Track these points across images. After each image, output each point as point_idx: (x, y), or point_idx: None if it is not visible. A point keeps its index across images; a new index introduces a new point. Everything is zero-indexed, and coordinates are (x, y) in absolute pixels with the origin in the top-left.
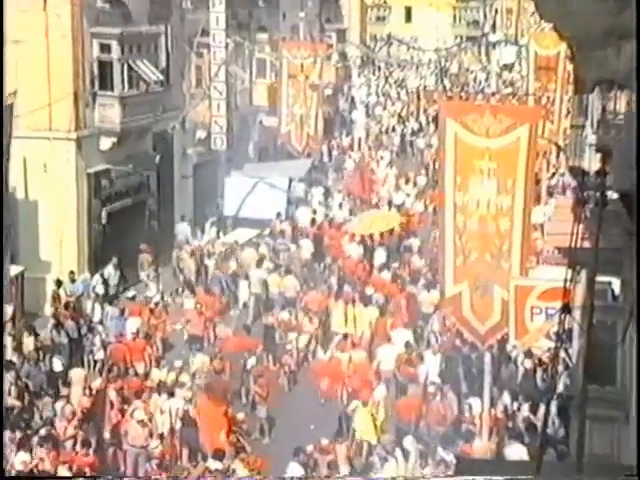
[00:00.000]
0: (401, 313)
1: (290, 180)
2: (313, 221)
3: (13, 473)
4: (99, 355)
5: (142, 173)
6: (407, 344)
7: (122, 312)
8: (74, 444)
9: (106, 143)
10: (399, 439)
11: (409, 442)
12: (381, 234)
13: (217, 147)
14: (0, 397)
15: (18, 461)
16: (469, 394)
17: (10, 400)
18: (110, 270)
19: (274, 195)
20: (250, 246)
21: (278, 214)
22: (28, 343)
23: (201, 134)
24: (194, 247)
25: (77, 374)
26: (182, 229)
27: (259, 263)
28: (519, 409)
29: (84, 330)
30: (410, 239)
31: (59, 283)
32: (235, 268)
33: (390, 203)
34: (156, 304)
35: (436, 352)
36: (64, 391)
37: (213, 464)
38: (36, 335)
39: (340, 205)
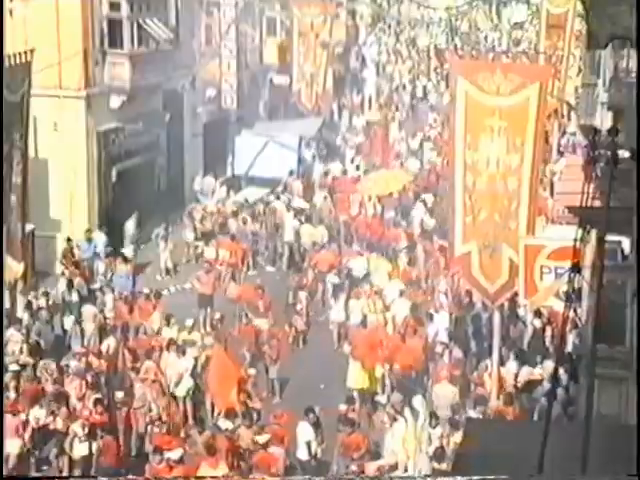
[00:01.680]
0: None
1: (300, 139)
2: (326, 175)
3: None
4: (109, 314)
5: (152, 132)
6: (413, 306)
7: (132, 271)
8: (89, 402)
9: (116, 101)
10: (408, 398)
11: (418, 402)
12: (390, 193)
13: (227, 105)
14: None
15: (32, 417)
16: (478, 354)
17: (23, 358)
18: (120, 228)
19: (284, 154)
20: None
21: (291, 172)
22: (39, 301)
23: (211, 93)
24: (205, 205)
25: (88, 311)
26: (192, 187)
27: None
28: (527, 369)
29: (94, 289)
30: (421, 198)
31: (69, 241)
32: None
33: (401, 162)
34: (165, 262)
35: (445, 311)
36: (75, 350)
37: (224, 423)
38: (47, 294)
39: (352, 161)
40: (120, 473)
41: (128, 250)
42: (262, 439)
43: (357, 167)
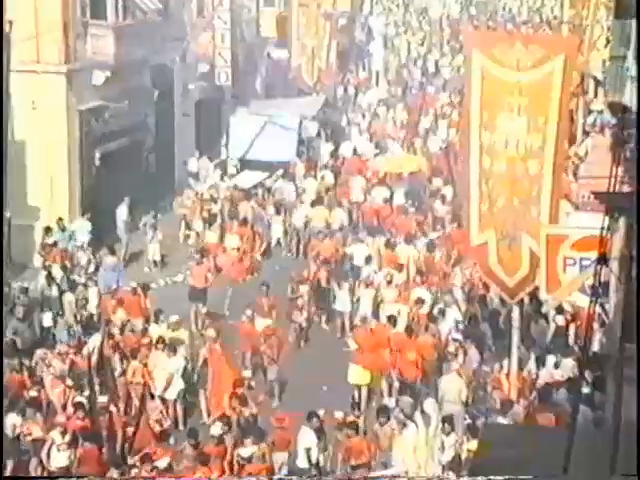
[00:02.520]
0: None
1: (301, 119)
2: (331, 157)
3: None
4: (93, 310)
5: (139, 110)
6: (418, 299)
7: (118, 262)
8: (67, 406)
9: (99, 77)
10: (419, 402)
11: (430, 406)
12: (400, 175)
13: (221, 82)
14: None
15: (8, 424)
16: (495, 353)
17: None
18: (104, 216)
19: (284, 135)
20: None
21: (291, 155)
22: (15, 296)
23: (204, 68)
24: (197, 191)
25: (70, 307)
26: (183, 172)
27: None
28: (549, 370)
29: (77, 282)
30: (434, 183)
31: (49, 231)
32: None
33: (411, 143)
34: (154, 253)
35: (459, 307)
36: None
37: (216, 429)
38: (24, 288)
39: (358, 142)
40: None
41: (115, 240)
42: (246, 452)
43: (364, 149)
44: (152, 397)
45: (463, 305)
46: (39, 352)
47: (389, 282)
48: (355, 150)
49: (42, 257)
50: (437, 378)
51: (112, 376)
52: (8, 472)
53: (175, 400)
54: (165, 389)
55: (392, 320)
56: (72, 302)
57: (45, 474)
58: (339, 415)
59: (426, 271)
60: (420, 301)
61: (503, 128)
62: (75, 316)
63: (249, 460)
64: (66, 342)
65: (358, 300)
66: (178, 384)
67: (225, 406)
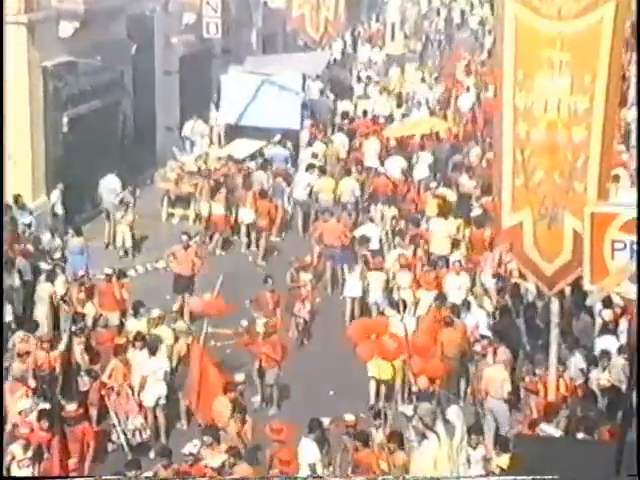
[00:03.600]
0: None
1: (304, 78)
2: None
3: None
4: (59, 301)
5: (114, 67)
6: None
7: (87, 245)
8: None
9: (67, 29)
10: (441, 409)
11: (454, 414)
12: (422, 145)
13: (210, 35)
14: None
15: None
16: (531, 353)
17: None
18: (73, 191)
19: (283, 97)
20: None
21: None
22: None
23: (189, 18)
24: (182, 163)
25: (34, 298)
26: (165, 140)
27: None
28: (595, 373)
29: (40, 269)
30: (459, 154)
31: (8, 209)
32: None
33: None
34: (132, 235)
35: (489, 298)
36: (19, 347)
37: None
38: None
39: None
40: None
41: (83, 219)
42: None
43: (377, 112)
44: (127, 402)
45: (493, 296)
46: None
47: (403, 266)
48: (366, 113)
49: None
50: (463, 382)
51: (81, 379)
52: None
53: (154, 407)
54: (144, 394)
55: (406, 310)
56: (36, 293)
57: None
58: (349, 419)
59: (449, 256)
60: (441, 291)
61: (542, 88)
62: (38, 309)
63: None
64: (27, 340)
65: (368, 285)
66: (159, 389)
67: (214, 416)
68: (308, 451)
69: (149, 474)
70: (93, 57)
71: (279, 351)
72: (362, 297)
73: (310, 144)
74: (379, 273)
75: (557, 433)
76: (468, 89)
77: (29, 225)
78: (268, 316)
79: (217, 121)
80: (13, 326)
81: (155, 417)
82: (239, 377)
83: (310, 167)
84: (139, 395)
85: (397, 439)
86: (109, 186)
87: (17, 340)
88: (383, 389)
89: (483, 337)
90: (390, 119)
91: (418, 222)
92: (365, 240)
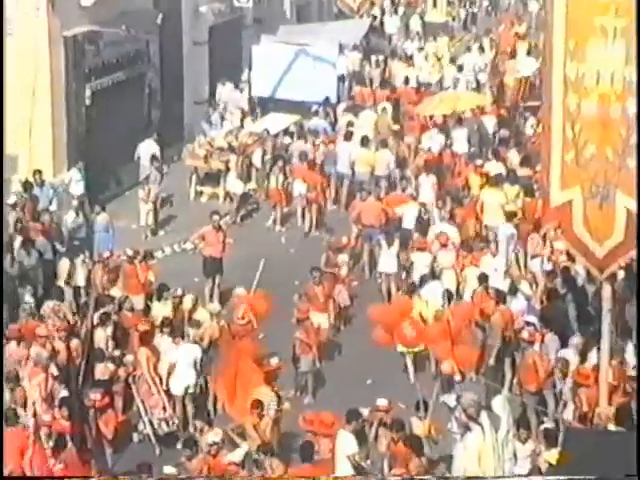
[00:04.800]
0: None
1: (341, 47)
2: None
3: None
4: (80, 282)
5: (139, 38)
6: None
7: (112, 224)
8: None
9: None
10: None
11: (499, 405)
12: (459, 119)
13: (241, 3)
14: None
15: None
16: (581, 342)
17: None
18: (96, 167)
19: (319, 68)
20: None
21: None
22: None
23: None
24: (211, 139)
25: (53, 279)
26: (193, 115)
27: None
28: None
29: (61, 249)
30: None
31: (28, 186)
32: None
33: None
34: (158, 213)
35: (536, 282)
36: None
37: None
38: None
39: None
40: None
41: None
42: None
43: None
44: (158, 392)
45: (541, 280)
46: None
47: (444, 246)
48: (408, 80)
49: (19, 218)
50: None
51: (105, 366)
52: None
53: (184, 397)
54: (172, 382)
55: (448, 294)
56: (57, 273)
57: None
58: (382, 404)
59: (492, 236)
60: (484, 273)
61: (594, 58)
62: (59, 291)
63: None
64: (47, 323)
65: (412, 265)
66: (188, 376)
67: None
68: (346, 443)
69: (172, 470)
70: (117, 26)
71: (313, 337)
72: (398, 274)
73: (348, 115)
74: (420, 253)
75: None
76: (514, 57)
77: (50, 202)
78: (319, 310)
79: (249, 94)
80: (32, 307)
81: (184, 406)
82: (273, 361)
83: (348, 137)
84: (167, 383)
85: (439, 431)
86: (148, 151)
87: (47, 310)
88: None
89: (529, 324)
90: (434, 87)
91: (461, 199)
92: (406, 218)
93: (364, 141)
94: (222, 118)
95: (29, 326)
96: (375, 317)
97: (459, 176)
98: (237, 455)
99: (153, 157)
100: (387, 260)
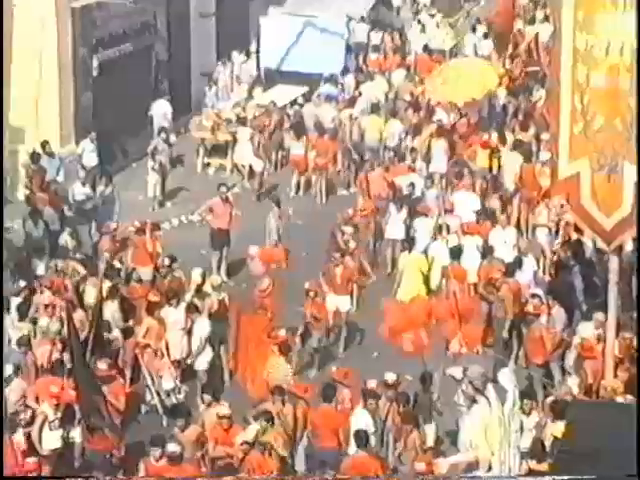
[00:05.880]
0: None
1: (348, 19)
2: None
3: None
4: (88, 252)
5: (146, 8)
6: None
7: (119, 195)
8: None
9: None
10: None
11: (505, 377)
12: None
13: None
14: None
15: None
16: (587, 314)
17: None
18: (103, 138)
19: (327, 40)
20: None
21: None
22: None
23: None
24: (218, 111)
25: (60, 251)
26: (200, 86)
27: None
28: None
29: (69, 219)
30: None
31: (35, 157)
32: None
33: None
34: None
35: (543, 254)
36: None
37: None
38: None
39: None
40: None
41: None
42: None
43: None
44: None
45: (548, 252)
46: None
47: (450, 211)
48: (427, 47)
49: (28, 189)
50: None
51: (113, 337)
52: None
53: (192, 369)
54: (180, 353)
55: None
56: (63, 245)
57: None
58: (391, 378)
59: (500, 208)
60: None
61: (603, 29)
62: (67, 263)
63: None
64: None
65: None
66: (196, 349)
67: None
68: (362, 419)
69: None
70: None
71: (324, 312)
72: (405, 240)
73: (358, 86)
74: (425, 218)
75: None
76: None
77: (57, 173)
78: (338, 291)
79: (257, 66)
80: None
81: (194, 377)
82: (282, 332)
83: (357, 104)
84: (175, 355)
85: (445, 403)
86: (161, 110)
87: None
88: None
89: (535, 296)
90: (447, 54)
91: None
92: (412, 186)
93: (374, 108)
94: (230, 90)
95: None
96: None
97: (470, 146)
98: (249, 434)
99: (162, 129)
100: (395, 227)
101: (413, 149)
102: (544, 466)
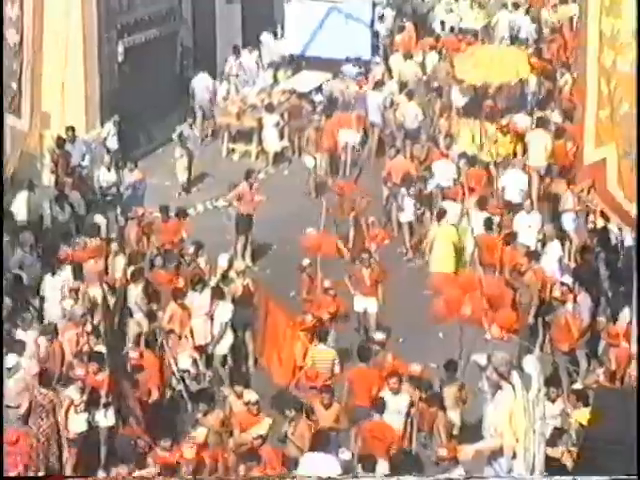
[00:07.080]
0: None
1: (374, 4)
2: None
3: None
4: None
5: None
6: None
7: (145, 180)
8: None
9: None
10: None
11: (530, 364)
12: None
13: None
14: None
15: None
16: (613, 301)
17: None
18: (129, 124)
19: (352, 26)
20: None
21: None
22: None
23: None
24: (243, 96)
25: (86, 234)
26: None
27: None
28: None
29: (95, 204)
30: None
31: (61, 142)
32: None
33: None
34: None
35: (569, 240)
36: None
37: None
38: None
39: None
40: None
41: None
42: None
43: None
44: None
45: (574, 238)
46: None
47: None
48: (453, 29)
49: (53, 174)
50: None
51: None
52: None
53: (216, 352)
54: (205, 339)
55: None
56: (88, 229)
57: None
58: (415, 369)
59: (525, 194)
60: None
61: (630, 14)
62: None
63: None
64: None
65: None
66: (221, 335)
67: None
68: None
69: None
70: None
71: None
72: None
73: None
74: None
75: None
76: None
77: (82, 158)
78: (365, 293)
79: (281, 52)
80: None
81: (218, 363)
82: (308, 319)
83: (381, 85)
84: (200, 340)
85: (470, 390)
86: (202, 83)
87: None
88: None
89: (562, 283)
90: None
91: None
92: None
93: (402, 91)
94: (256, 76)
95: None
96: (438, 286)
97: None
98: (263, 427)
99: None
100: (408, 210)
101: (447, 134)
102: (569, 455)
